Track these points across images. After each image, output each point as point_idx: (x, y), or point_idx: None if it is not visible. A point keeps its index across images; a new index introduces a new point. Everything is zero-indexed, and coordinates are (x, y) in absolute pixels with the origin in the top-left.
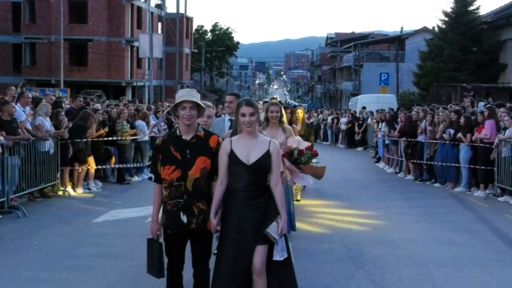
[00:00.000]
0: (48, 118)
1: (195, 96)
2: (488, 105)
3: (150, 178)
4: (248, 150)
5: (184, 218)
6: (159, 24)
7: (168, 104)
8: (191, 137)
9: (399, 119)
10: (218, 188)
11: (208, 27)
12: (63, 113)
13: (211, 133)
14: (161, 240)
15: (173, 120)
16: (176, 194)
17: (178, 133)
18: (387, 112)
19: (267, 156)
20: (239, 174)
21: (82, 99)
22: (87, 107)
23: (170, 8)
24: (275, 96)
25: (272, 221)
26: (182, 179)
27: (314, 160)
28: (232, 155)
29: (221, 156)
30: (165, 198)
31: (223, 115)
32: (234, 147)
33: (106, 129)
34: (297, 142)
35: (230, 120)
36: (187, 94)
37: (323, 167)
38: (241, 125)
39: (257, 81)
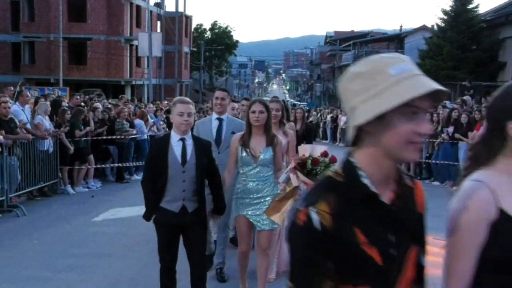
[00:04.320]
0: (47, 117)
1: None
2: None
3: None
4: None
5: None
6: (158, 22)
7: (166, 103)
8: (392, 192)
9: None
10: None
11: (207, 25)
12: (69, 111)
13: (411, 177)
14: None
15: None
16: None
17: (369, 188)
18: None
19: None
20: None
21: (79, 97)
22: (83, 106)
23: (169, 6)
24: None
25: None
26: None
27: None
28: None
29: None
30: None
31: (209, 115)
32: None
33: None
34: (311, 148)
35: (219, 119)
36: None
37: None
38: None
39: (256, 80)
